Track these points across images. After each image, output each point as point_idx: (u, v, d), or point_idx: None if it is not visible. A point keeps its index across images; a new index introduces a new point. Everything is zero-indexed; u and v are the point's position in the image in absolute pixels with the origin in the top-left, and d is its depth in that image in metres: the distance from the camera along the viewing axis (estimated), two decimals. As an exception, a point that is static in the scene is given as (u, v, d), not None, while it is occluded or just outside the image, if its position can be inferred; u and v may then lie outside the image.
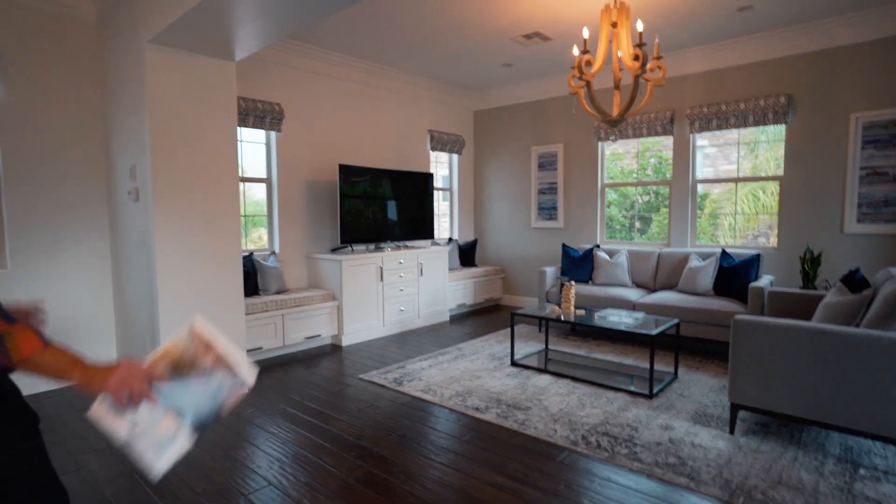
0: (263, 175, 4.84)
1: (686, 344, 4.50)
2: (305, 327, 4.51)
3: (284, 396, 3.44)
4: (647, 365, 3.92)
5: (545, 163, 6.27)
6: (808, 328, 2.50)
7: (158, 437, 1.09)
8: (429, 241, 6.03)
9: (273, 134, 4.78)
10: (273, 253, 4.75)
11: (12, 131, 3.41)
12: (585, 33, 3.44)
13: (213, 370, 1.10)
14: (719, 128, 4.87)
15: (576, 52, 3.52)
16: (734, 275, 4.38)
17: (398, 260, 5.20)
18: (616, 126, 3.67)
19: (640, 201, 5.78)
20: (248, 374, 1.12)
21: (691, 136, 5.14)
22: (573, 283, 4.07)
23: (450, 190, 6.86)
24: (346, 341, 4.77)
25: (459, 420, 3.04)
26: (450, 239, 6.58)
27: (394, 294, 5.18)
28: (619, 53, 3.41)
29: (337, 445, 2.72)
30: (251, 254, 4.50)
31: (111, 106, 3.64)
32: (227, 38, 3.07)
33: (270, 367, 4.08)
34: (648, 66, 3.32)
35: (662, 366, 3.91)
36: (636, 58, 3.26)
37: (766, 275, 4.62)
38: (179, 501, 2.20)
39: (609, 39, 3.40)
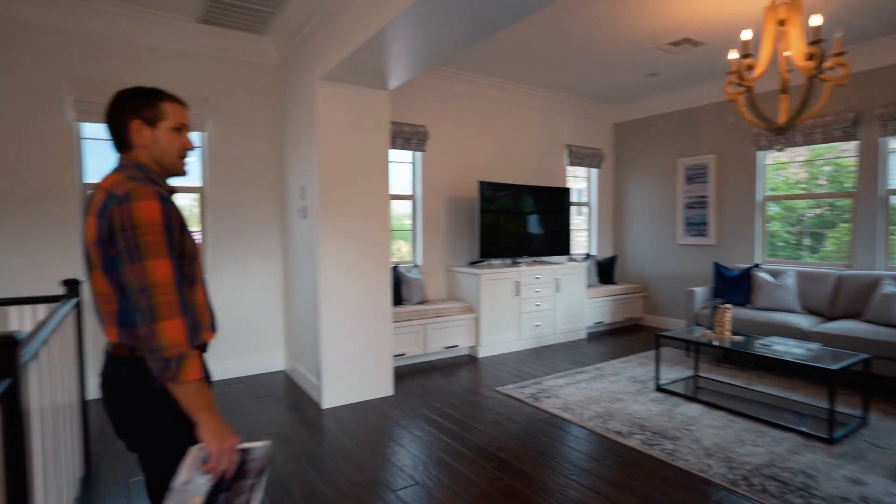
0: (408, 192, 5.20)
1: (879, 384, 3.81)
2: (445, 337, 4.72)
3: (425, 402, 3.64)
4: (822, 404, 3.41)
5: (693, 175, 5.82)
6: None
7: None
8: (565, 257, 5.93)
9: (419, 154, 5.12)
10: (416, 265, 5.06)
11: (216, 160, 4.13)
12: (746, 35, 3.17)
13: (240, 494, 1.12)
14: (923, 128, 4.10)
15: (733, 55, 3.25)
16: (945, 304, 3.62)
17: (535, 275, 5.20)
18: (783, 134, 3.30)
19: (810, 215, 5.07)
20: None
21: (882, 139, 4.39)
22: (729, 305, 3.71)
23: (588, 204, 6.68)
24: (482, 353, 4.88)
25: (600, 442, 2.93)
26: (587, 255, 6.40)
27: (530, 309, 5.18)
28: (788, 53, 3.07)
29: (477, 454, 2.80)
30: (396, 266, 4.85)
31: (287, 135, 4.22)
32: (383, 71, 3.40)
33: (412, 373, 4.34)
34: (826, 63, 2.94)
35: (845, 407, 3.37)
36: (810, 57, 2.91)
37: None
38: (340, 489, 2.45)
39: (775, 39, 3.09)
